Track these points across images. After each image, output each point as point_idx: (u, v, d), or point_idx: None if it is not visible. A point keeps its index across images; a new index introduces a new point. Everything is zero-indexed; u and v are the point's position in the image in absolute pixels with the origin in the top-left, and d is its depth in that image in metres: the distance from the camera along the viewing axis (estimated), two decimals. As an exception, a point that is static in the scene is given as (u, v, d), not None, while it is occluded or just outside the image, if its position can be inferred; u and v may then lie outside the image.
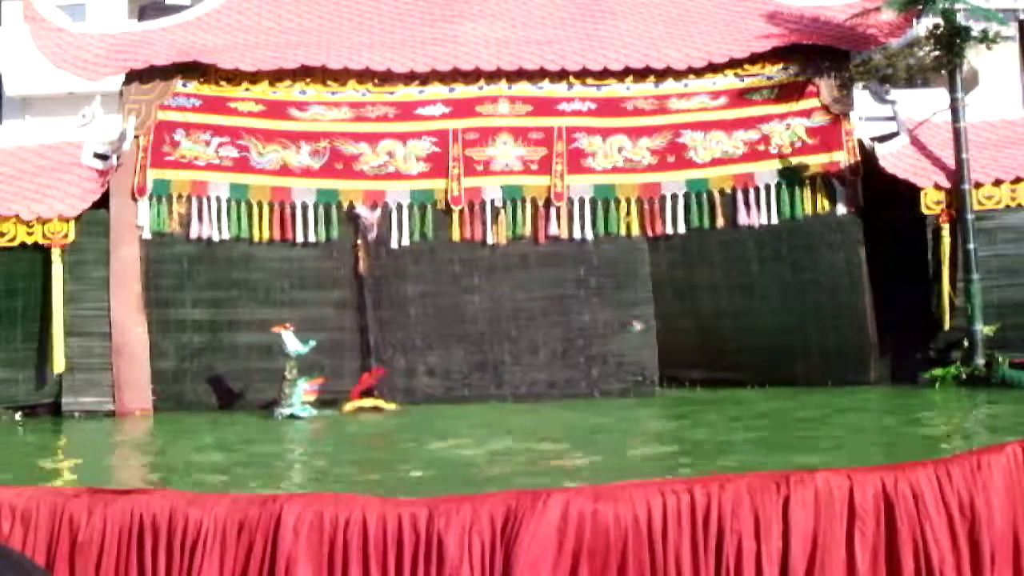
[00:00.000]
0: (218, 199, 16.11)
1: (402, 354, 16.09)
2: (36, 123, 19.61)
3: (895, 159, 16.23)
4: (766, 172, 16.61)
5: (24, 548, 5.11)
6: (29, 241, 15.34)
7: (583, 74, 16.81)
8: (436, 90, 16.74)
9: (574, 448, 11.19)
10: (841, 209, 16.35)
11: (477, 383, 15.98)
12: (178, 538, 5.05)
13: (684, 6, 18.59)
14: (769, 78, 16.95)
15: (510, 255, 16.42)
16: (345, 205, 16.29)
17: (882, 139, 16.61)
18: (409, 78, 16.69)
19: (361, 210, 16.18)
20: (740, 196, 16.50)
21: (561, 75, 16.79)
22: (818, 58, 16.88)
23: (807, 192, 16.45)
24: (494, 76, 16.75)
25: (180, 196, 16.01)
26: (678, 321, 16.34)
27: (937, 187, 15.80)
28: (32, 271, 15.37)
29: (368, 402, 14.91)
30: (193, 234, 15.98)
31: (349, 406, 14.78)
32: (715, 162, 16.64)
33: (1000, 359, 14.86)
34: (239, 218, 16.13)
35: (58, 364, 15.11)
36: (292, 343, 14.39)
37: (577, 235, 16.42)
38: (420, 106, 16.67)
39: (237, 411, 15.14)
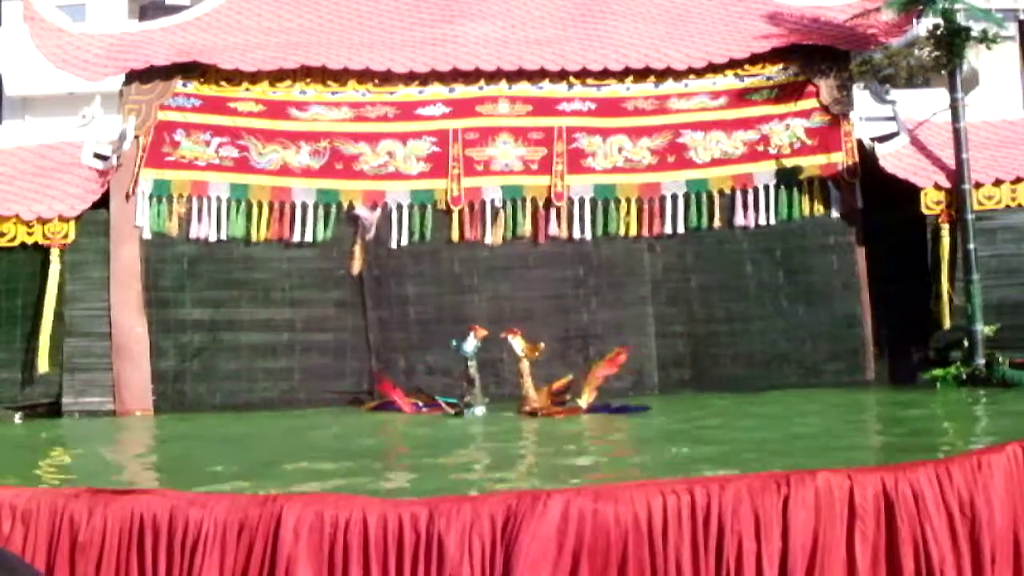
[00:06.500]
0: (218, 199, 16.12)
1: (402, 353, 16.11)
2: (36, 123, 19.61)
3: (895, 159, 16.23)
4: (765, 173, 16.62)
5: (24, 548, 5.11)
6: (29, 241, 15.36)
7: (583, 74, 16.82)
8: (436, 90, 16.74)
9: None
10: (839, 210, 16.37)
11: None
12: (178, 538, 5.05)
13: (684, 6, 18.60)
14: (769, 78, 16.95)
15: (510, 255, 16.42)
16: (345, 205, 16.29)
17: (882, 139, 16.61)
18: (409, 78, 16.70)
19: (361, 210, 16.20)
20: (739, 197, 16.51)
21: (561, 75, 16.80)
22: (818, 58, 16.89)
23: (805, 193, 16.47)
24: (494, 76, 16.75)
25: (180, 196, 16.02)
26: (674, 322, 16.37)
27: (937, 187, 15.80)
28: (32, 271, 15.38)
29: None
30: (193, 234, 15.98)
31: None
32: (715, 162, 16.65)
33: (1000, 359, 14.86)
34: (239, 218, 16.14)
35: (43, 364, 15.08)
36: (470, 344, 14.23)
37: (577, 235, 16.43)
38: (420, 106, 16.68)
39: (240, 411, 15.13)
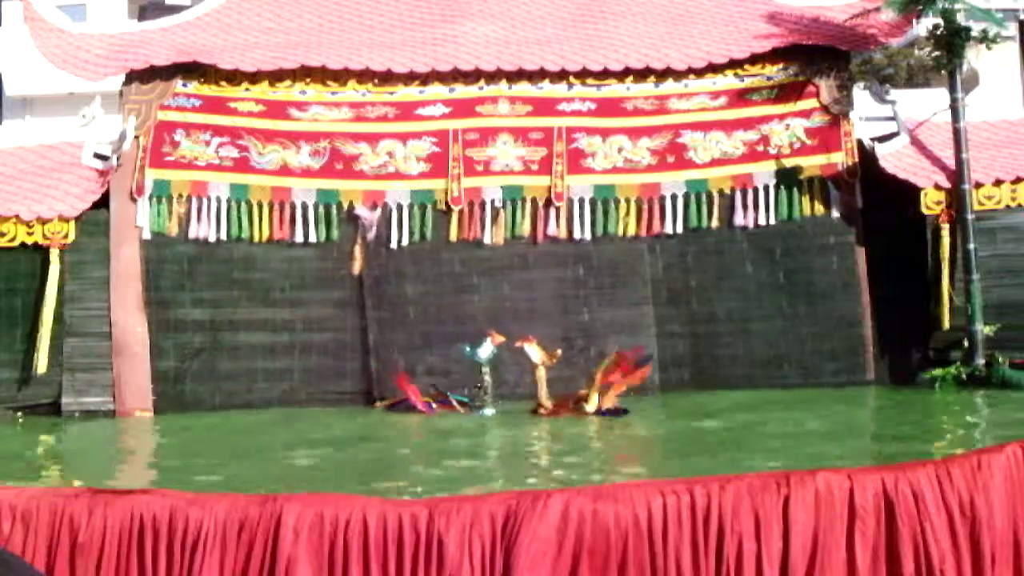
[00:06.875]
0: (218, 199, 16.10)
1: (402, 354, 16.09)
2: (36, 123, 19.63)
3: (895, 159, 16.22)
4: (765, 173, 16.62)
5: (24, 548, 5.11)
6: (29, 241, 15.33)
7: (583, 74, 16.81)
8: (436, 90, 16.73)
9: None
10: (839, 210, 16.36)
11: (476, 382, 15.96)
12: (178, 538, 5.05)
13: (684, 6, 18.58)
14: (769, 78, 16.94)
15: (510, 255, 16.41)
16: (345, 205, 16.29)
17: (882, 139, 16.61)
18: (409, 78, 16.69)
19: (361, 210, 16.19)
20: (739, 197, 16.52)
21: (561, 75, 16.78)
22: (818, 58, 16.87)
23: (805, 193, 16.47)
24: (494, 76, 16.74)
25: (180, 196, 16.01)
26: (673, 322, 16.37)
27: (937, 187, 15.79)
28: (32, 271, 15.36)
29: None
30: (193, 234, 15.97)
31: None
32: (714, 162, 16.65)
33: (1000, 359, 14.86)
34: (239, 218, 16.12)
35: (41, 364, 15.05)
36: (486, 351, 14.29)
37: (577, 235, 16.43)
38: (420, 106, 16.67)
39: (240, 411, 15.11)
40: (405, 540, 4.88)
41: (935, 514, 5.00)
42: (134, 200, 15.78)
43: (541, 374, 13.91)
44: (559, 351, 14.28)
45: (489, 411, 14.03)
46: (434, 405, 14.66)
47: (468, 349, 14.37)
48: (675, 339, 16.37)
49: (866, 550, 4.96)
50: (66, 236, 15.41)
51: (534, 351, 14.03)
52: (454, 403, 14.49)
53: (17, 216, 15.30)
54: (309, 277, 16.20)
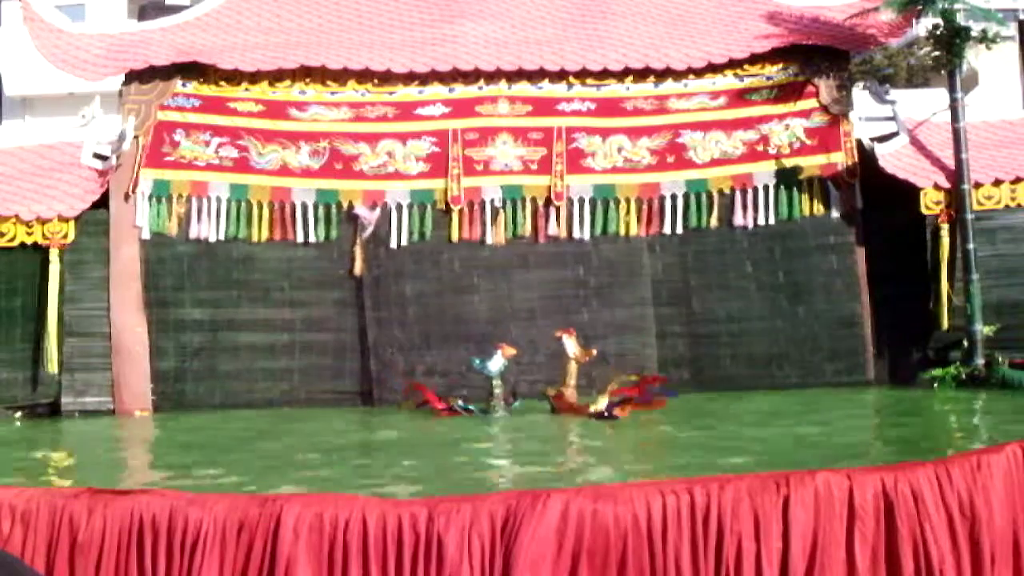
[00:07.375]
0: (218, 199, 16.12)
1: (401, 354, 16.10)
2: (36, 123, 19.64)
3: (895, 159, 16.24)
4: (765, 173, 16.64)
5: (24, 548, 5.12)
6: (29, 241, 15.34)
7: (583, 74, 16.82)
8: (436, 90, 16.74)
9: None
10: (839, 210, 16.38)
11: (476, 383, 15.96)
12: (178, 538, 5.05)
13: (684, 6, 18.60)
14: (768, 78, 16.96)
15: (510, 255, 16.42)
16: (345, 205, 16.30)
17: (882, 139, 16.62)
18: (409, 78, 16.69)
19: (360, 210, 16.20)
20: (739, 197, 16.53)
21: (561, 75, 16.80)
22: (817, 58, 16.89)
23: (805, 193, 16.49)
24: (494, 76, 16.76)
25: (180, 196, 16.02)
26: (673, 322, 16.38)
27: (937, 187, 15.81)
28: (32, 271, 15.37)
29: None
30: (193, 234, 15.98)
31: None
32: (714, 162, 16.67)
33: (1000, 359, 14.86)
34: (239, 218, 16.14)
35: (52, 364, 15.09)
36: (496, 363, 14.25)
37: (577, 235, 16.45)
38: (420, 106, 16.68)
39: (240, 411, 15.11)
40: (404, 540, 4.88)
41: (935, 514, 5.00)
42: (128, 199, 15.78)
43: (572, 368, 13.97)
44: (594, 350, 14.31)
45: (501, 413, 14.03)
46: (457, 406, 14.63)
47: (478, 362, 14.32)
48: (675, 339, 16.40)
49: (865, 550, 4.96)
50: (65, 236, 15.42)
51: (571, 344, 14.08)
52: (463, 413, 14.43)
53: (17, 216, 15.31)
54: (309, 277, 16.21)
